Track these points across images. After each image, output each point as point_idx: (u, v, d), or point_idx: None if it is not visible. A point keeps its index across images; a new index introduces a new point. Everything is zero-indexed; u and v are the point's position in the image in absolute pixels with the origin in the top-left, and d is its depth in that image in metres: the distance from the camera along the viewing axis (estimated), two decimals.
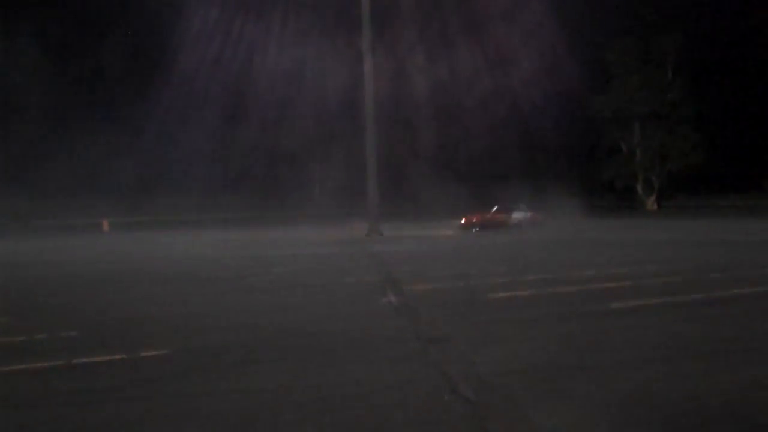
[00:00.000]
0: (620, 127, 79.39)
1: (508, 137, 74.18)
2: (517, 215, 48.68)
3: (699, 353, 10.16)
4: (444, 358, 9.89)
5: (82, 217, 64.11)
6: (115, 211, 64.43)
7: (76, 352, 10.73)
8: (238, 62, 70.66)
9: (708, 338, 11.16)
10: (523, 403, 7.85)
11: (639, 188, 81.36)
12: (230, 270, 23.39)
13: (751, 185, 79.87)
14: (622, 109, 77.92)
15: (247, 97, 70.68)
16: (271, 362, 10.05)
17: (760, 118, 78.24)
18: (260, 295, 17.28)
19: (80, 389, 8.81)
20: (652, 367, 9.43)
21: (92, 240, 46.02)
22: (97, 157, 66.51)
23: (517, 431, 6.99)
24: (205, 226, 58.85)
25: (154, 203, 68.86)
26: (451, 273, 20.99)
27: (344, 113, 67.36)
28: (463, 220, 47.79)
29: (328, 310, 14.78)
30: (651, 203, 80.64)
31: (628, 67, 78.06)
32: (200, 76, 69.82)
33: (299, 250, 32.02)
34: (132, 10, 68.48)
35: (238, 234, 48.44)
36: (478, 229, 46.58)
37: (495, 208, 49.72)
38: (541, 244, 32.74)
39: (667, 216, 65.41)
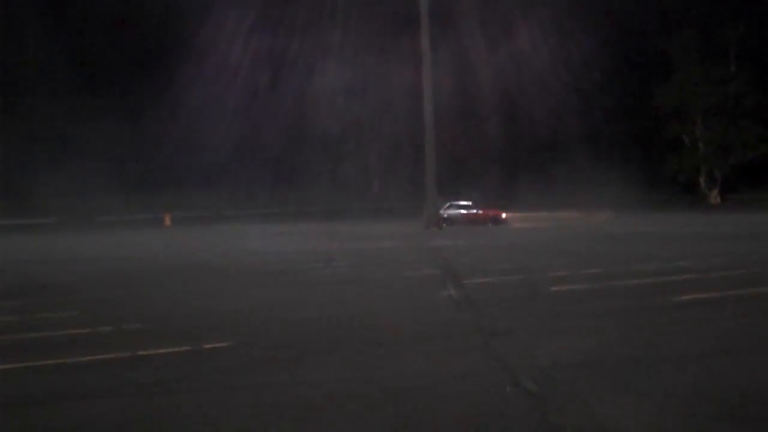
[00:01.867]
0: (682, 120, 78.43)
1: (570, 131, 73.64)
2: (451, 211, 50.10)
3: (766, 347, 10.01)
4: (505, 351, 9.86)
5: (144, 212, 64.89)
6: (175, 206, 65.14)
7: (141, 344, 10.88)
8: (295, 58, 70.96)
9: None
10: (586, 395, 7.80)
11: (702, 181, 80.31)
12: (290, 264, 23.52)
13: None
14: (683, 102, 76.97)
15: (306, 94, 70.92)
16: (333, 355, 10.09)
17: None
18: (320, 289, 17.35)
19: (145, 380, 8.93)
20: (717, 360, 9.32)
21: (155, 235, 46.57)
22: (156, 152, 67.21)
23: (580, 424, 6.94)
24: (265, 221, 59.23)
25: (213, 198, 69.43)
26: (512, 266, 20.90)
27: (403, 105, 67.26)
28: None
29: (388, 303, 14.81)
30: (714, 196, 79.55)
31: (689, 59, 77.06)
32: (257, 72, 70.16)
33: (358, 244, 32.10)
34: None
35: (297, 228, 48.70)
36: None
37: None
38: (603, 237, 32.46)
39: (730, 209, 64.47)
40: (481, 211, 50.66)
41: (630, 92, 76.00)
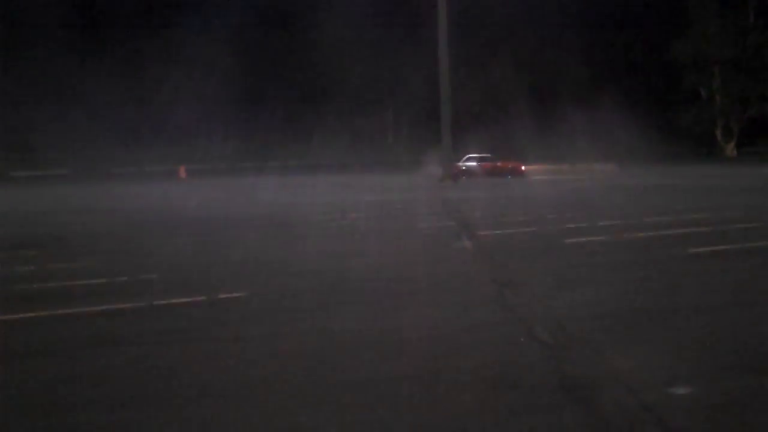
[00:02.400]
0: (699, 72, 77.83)
1: (587, 83, 73.23)
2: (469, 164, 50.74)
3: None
4: (519, 302, 9.89)
5: (159, 165, 65.01)
6: (190, 158, 65.22)
7: (156, 294, 10.95)
8: (308, 11, 70.69)
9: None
10: (600, 346, 7.83)
11: (718, 134, 79.87)
12: (306, 216, 23.58)
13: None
14: (701, 54, 76.32)
15: (320, 48, 70.65)
16: (347, 305, 10.15)
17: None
18: (335, 240, 17.40)
19: (162, 329, 9.00)
20: (730, 311, 9.33)
21: (170, 187, 46.68)
22: (169, 105, 67.20)
23: (594, 374, 6.97)
24: (279, 173, 59.25)
25: (227, 150, 69.53)
26: (526, 219, 20.90)
27: (418, 58, 66.91)
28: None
29: (402, 255, 14.85)
30: (730, 149, 79.18)
31: (707, 11, 76.28)
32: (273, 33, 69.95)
33: (373, 196, 32.12)
34: None
35: (312, 180, 48.72)
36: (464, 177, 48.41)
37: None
38: (620, 189, 32.38)
39: (746, 162, 64.14)
40: (500, 163, 50.57)
41: (648, 44, 75.37)
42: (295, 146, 72.59)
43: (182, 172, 62.13)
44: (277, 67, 71.34)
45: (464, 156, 51.68)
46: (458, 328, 8.73)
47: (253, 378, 7.14)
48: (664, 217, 20.41)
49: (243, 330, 8.91)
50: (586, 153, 57.51)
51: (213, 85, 68.08)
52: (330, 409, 6.32)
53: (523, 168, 50.31)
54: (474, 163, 50.63)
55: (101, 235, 19.89)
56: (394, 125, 78.73)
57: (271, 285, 11.70)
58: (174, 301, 10.53)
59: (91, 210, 28.92)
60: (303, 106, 73.63)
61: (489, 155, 51.80)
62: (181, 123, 66.23)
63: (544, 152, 60.24)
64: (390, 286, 11.41)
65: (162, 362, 7.69)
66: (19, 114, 63.47)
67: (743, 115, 77.82)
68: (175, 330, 8.96)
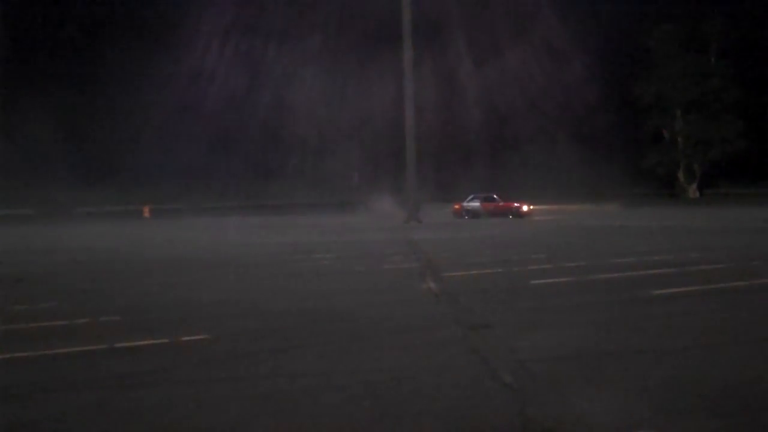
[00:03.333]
0: (662, 114, 78.77)
1: (551, 125, 73.81)
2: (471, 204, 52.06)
3: (742, 341, 10.06)
4: (484, 344, 9.88)
5: (123, 205, 64.70)
6: (154, 199, 64.95)
7: (118, 336, 10.83)
8: (275, 59, 70.90)
9: (751, 326, 11.05)
10: (564, 388, 7.82)
11: (681, 176, 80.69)
12: (270, 256, 23.50)
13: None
14: (663, 96, 77.29)
15: (285, 93, 70.84)
16: (312, 347, 10.09)
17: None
18: (300, 281, 17.34)
19: (123, 373, 8.89)
20: (694, 354, 9.36)
21: (134, 227, 46.39)
22: (135, 146, 67.05)
23: (558, 417, 6.96)
24: (244, 214, 59.10)
25: (192, 191, 69.37)
26: (491, 260, 20.95)
27: (383, 101, 67.26)
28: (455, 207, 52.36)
29: (367, 296, 14.81)
30: (693, 191, 79.97)
31: (669, 53, 77.36)
32: (233, 77, 70.10)
33: (338, 236, 32.10)
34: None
35: (277, 221, 48.63)
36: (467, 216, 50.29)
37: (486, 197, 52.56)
38: (583, 231, 32.57)
39: (709, 204, 64.83)
40: (502, 203, 51.14)
41: (611, 86, 76.24)
42: (258, 187, 72.56)
43: (146, 211, 61.82)
44: (242, 108, 71.36)
45: (468, 196, 52.39)
46: (422, 370, 8.70)
47: (215, 423, 7.06)
48: (627, 258, 20.53)
49: (206, 373, 8.83)
50: (583, 192, 58.27)
51: (178, 125, 68.03)
52: None
53: (525, 208, 50.81)
54: (477, 204, 51.28)
55: (63, 275, 19.70)
56: (360, 166, 78.88)
57: (235, 327, 11.62)
58: (136, 343, 10.42)
59: (54, 250, 28.66)
60: (266, 146, 73.64)
61: (492, 195, 52.42)
62: (145, 163, 66.04)
63: (536, 192, 60.71)
64: (354, 327, 11.37)
65: (122, 407, 7.59)
66: None
67: (705, 156, 78.69)
68: (136, 373, 8.85)
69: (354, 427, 6.84)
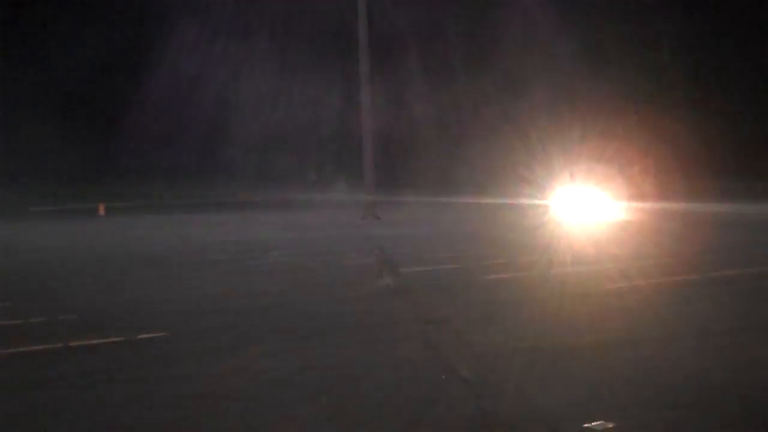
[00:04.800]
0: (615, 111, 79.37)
1: (505, 121, 73.99)
2: None
3: (699, 332, 10.20)
4: (441, 339, 9.92)
5: (77, 202, 64.03)
6: (110, 196, 64.38)
7: (74, 335, 10.74)
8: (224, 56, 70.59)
9: (707, 318, 11.20)
10: (521, 382, 7.89)
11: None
12: (227, 253, 23.38)
13: (748, 169, 79.98)
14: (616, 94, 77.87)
15: (240, 92, 70.55)
16: (269, 344, 10.08)
17: (757, 103, 78.31)
18: (258, 278, 17.28)
19: (78, 371, 8.83)
20: (650, 345, 9.48)
21: (89, 225, 45.94)
22: (90, 143, 66.36)
23: (515, 410, 7.02)
24: (199, 211, 58.73)
25: (147, 187, 68.83)
26: (449, 255, 20.99)
27: (341, 98, 67.18)
28: None
29: (325, 292, 14.80)
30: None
31: (623, 51, 77.92)
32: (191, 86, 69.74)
33: (295, 233, 32.00)
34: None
35: (234, 217, 48.38)
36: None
37: None
38: (543, 227, 32.71)
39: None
40: None
41: (560, 84, 76.62)
42: (216, 184, 72.09)
43: (101, 209, 61.21)
44: (196, 105, 70.90)
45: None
46: (380, 366, 8.73)
47: (170, 420, 7.04)
48: (584, 253, 20.66)
49: (162, 370, 8.79)
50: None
51: (133, 121, 67.45)
52: None
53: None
54: None
55: (16, 274, 19.47)
56: (317, 162, 78.72)
57: (192, 324, 11.57)
58: (92, 342, 10.35)
59: (6, 248, 28.30)
60: (223, 142, 73.20)
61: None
62: (99, 159, 65.42)
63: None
64: (312, 324, 11.37)
65: (76, 406, 7.54)
66: None
67: (659, 153, 79.55)
68: (92, 372, 8.80)
69: (311, 424, 6.85)
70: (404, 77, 71.84)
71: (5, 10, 66.46)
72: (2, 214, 56.22)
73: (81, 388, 8.13)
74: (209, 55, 69.84)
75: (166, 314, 12.58)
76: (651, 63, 67.89)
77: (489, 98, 73.67)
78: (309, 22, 68.95)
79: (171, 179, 70.54)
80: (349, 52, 51.21)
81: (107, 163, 65.85)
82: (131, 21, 68.38)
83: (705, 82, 65.25)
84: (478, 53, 72.66)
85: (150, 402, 7.57)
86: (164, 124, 70.03)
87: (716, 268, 16.61)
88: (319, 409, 7.21)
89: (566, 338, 9.96)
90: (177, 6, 65.89)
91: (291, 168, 75.19)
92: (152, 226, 41.11)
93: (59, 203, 63.75)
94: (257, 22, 69.63)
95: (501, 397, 7.41)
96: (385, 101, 63.57)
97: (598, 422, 6.65)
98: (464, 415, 6.92)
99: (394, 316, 11.80)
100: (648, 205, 44.56)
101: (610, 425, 6.61)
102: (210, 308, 13.07)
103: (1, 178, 59.84)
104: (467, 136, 75.31)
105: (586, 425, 6.62)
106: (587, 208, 35.56)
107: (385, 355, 9.27)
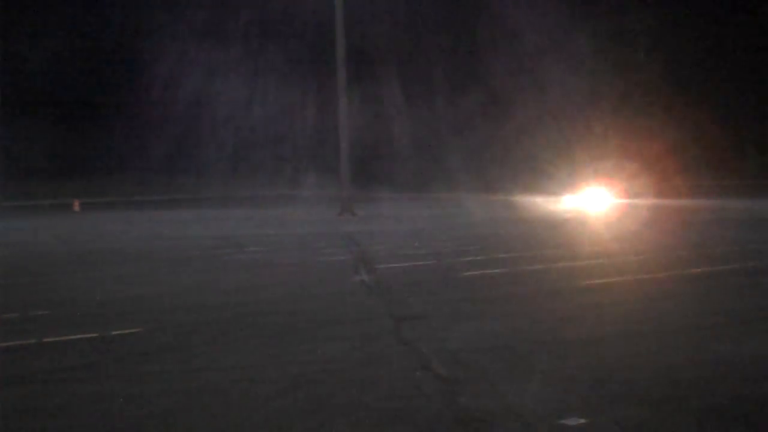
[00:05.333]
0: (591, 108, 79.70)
1: (476, 118, 74.18)
2: None
3: (669, 329, 10.26)
4: (416, 336, 9.94)
5: (52, 198, 63.72)
6: (85, 192, 64.07)
7: (47, 331, 10.69)
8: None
9: (680, 314, 11.27)
10: (495, 378, 7.91)
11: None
12: (202, 249, 23.32)
13: (725, 167, 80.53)
14: (591, 90, 78.18)
15: (220, 91, 70.56)
16: (244, 340, 10.07)
17: (731, 100, 78.76)
18: (233, 275, 17.26)
19: (52, 368, 8.79)
20: (622, 343, 9.53)
21: (63, 220, 45.70)
22: (69, 138, 66.13)
23: (489, 406, 7.04)
24: (175, 206, 58.56)
25: (123, 184, 68.66)
26: (425, 252, 21.03)
27: (316, 98, 67.22)
28: None
29: (300, 288, 14.79)
30: None
31: (598, 48, 78.22)
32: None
33: (271, 229, 31.97)
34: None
35: (209, 214, 48.27)
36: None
37: None
38: (518, 222, 32.83)
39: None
40: None
41: (538, 81, 76.83)
42: (191, 180, 71.96)
43: (76, 205, 60.91)
44: (176, 104, 70.76)
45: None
46: (355, 362, 8.73)
47: (145, 416, 7.01)
48: (558, 250, 20.77)
49: (137, 367, 8.76)
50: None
51: (111, 118, 67.26)
52: None
53: None
54: None
55: None
56: (294, 159, 78.60)
57: (167, 320, 11.54)
58: (65, 338, 10.30)
59: None
60: (200, 141, 73.07)
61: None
62: (74, 157, 65.19)
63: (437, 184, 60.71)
64: (287, 320, 11.36)
65: (49, 403, 7.50)
66: None
67: (633, 150, 79.94)
68: (65, 368, 8.76)
69: (285, 419, 6.85)
70: (382, 78, 71.97)
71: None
72: None
73: (54, 384, 8.09)
74: (188, 57, 69.76)
75: (140, 310, 12.54)
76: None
77: (463, 101, 74.07)
78: (288, 25, 69.05)
79: (146, 176, 70.42)
80: (329, 53, 51.18)
81: (82, 159, 65.55)
82: (111, 20, 68.18)
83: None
84: (457, 60, 73.04)
85: (123, 398, 7.54)
86: (141, 122, 69.92)
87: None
88: (293, 405, 7.21)
89: (539, 335, 10.00)
90: (164, 10, 65.87)
91: (268, 165, 75.16)
92: (128, 222, 40.95)
93: (33, 199, 63.48)
94: (238, 27, 69.65)
95: (475, 394, 7.43)
96: (363, 101, 63.66)
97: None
98: (438, 411, 6.95)
99: (369, 313, 11.81)
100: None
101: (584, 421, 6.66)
102: (184, 304, 13.03)
103: None
104: (441, 135, 75.63)
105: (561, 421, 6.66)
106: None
107: (360, 351, 9.28)
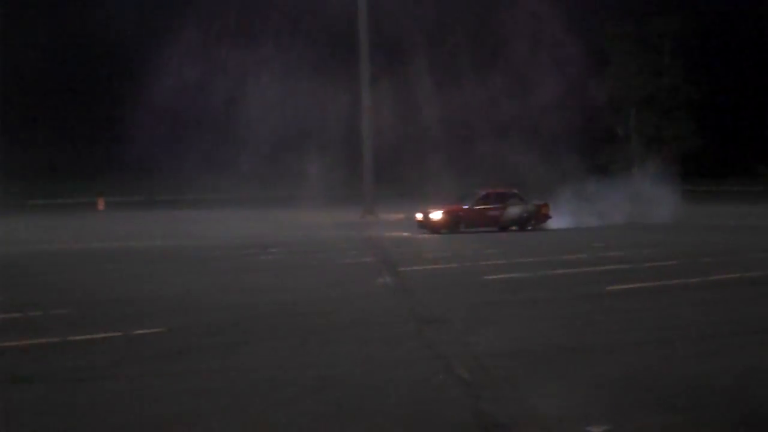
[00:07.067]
0: (616, 112, 79.34)
1: (507, 124, 73.94)
2: (513, 210, 31.15)
3: (694, 336, 10.18)
4: (439, 339, 9.90)
5: (77, 197, 64.03)
6: (111, 190, 64.40)
7: (71, 330, 10.73)
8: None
9: (703, 322, 11.18)
10: (518, 383, 7.87)
11: (635, 173, 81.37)
12: (227, 250, 23.37)
13: (746, 171, 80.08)
14: (617, 94, 77.84)
15: (245, 93, 70.66)
16: (267, 341, 10.06)
17: (755, 102, 78.41)
18: (257, 276, 17.27)
19: (76, 366, 8.81)
20: (647, 349, 9.46)
21: (88, 219, 45.93)
22: (94, 138, 66.45)
23: (511, 411, 7.00)
24: (202, 207, 58.77)
25: (150, 183, 68.91)
26: (447, 255, 20.99)
27: (340, 99, 67.19)
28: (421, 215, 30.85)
29: (324, 290, 14.79)
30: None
31: (624, 52, 77.91)
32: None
33: (295, 231, 31.99)
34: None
35: (234, 214, 48.38)
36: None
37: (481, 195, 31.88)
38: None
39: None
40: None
41: (566, 85, 76.57)
42: (217, 181, 72.06)
43: (101, 203, 61.21)
44: (201, 105, 70.87)
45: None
46: (378, 365, 8.71)
47: (166, 417, 7.02)
48: (581, 254, 20.67)
49: (159, 367, 8.76)
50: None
51: (134, 117, 67.45)
52: None
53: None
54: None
55: (15, 268, 19.45)
56: (318, 161, 78.61)
57: (190, 320, 11.55)
58: (89, 336, 10.33)
59: (5, 242, 28.29)
60: (224, 142, 73.18)
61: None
62: (103, 154, 65.51)
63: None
64: (310, 322, 11.35)
65: (72, 400, 7.51)
66: None
67: (659, 154, 79.36)
68: (88, 367, 8.77)
69: (307, 422, 6.84)
70: (406, 80, 71.81)
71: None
72: (1, 208, 56.23)
73: (78, 383, 8.11)
74: (212, 57, 69.84)
75: (163, 310, 12.56)
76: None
77: (493, 100, 73.83)
78: (312, 24, 69.05)
79: (173, 177, 70.59)
80: (352, 54, 51.23)
81: (108, 159, 65.83)
82: (134, 21, 68.40)
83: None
84: (479, 54, 72.78)
85: (146, 398, 7.55)
86: (168, 123, 70.10)
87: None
88: (315, 408, 7.19)
89: (563, 340, 9.94)
90: (182, 8, 66.02)
91: (293, 167, 75.18)
92: (152, 222, 41.10)
93: (59, 197, 63.83)
94: (262, 24, 69.72)
95: (498, 399, 7.39)
96: (387, 103, 63.55)
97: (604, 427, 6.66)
98: (461, 415, 6.91)
99: (392, 315, 11.79)
100: None
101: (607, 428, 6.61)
102: (208, 305, 13.05)
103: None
104: (468, 138, 75.40)
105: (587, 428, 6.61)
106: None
107: (383, 354, 9.26)
